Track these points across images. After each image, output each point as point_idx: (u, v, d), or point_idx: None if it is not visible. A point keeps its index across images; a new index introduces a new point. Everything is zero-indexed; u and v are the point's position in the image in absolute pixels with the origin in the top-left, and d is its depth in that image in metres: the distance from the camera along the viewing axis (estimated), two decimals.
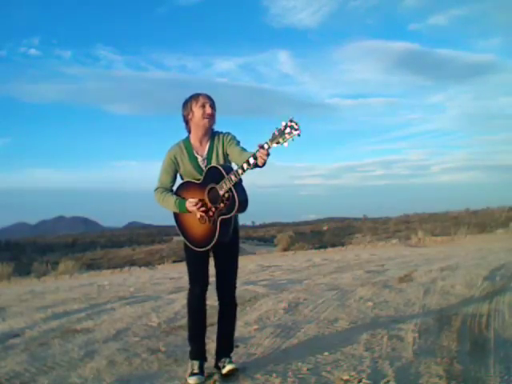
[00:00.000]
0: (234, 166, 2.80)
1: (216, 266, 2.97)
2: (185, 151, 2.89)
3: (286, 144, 2.45)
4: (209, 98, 2.89)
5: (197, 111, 2.85)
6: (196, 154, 2.89)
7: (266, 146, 2.49)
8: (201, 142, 2.91)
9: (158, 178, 2.95)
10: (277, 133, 2.46)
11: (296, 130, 2.42)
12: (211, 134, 2.93)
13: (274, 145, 2.48)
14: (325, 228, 41.56)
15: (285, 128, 2.44)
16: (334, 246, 17.53)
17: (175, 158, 2.88)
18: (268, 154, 2.51)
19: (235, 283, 3.00)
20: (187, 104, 2.89)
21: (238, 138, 2.92)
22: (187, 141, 2.94)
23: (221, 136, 2.91)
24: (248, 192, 2.77)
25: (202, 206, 2.77)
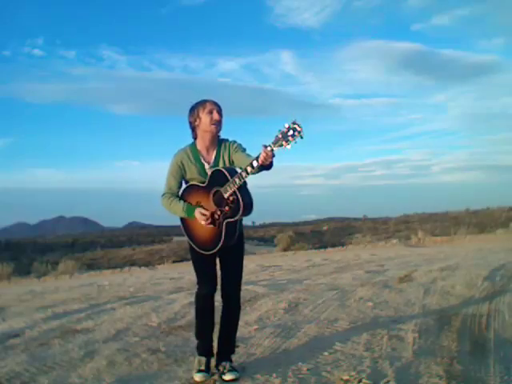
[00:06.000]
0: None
1: (221, 268, 2.98)
2: (192, 157, 2.89)
3: (288, 147, 2.47)
4: (216, 104, 2.87)
5: (204, 117, 2.84)
6: (203, 161, 2.89)
7: (268, 149, 2.50)
8: (207, 150, 2.91)
9: (165, 183, 2.95)
10: (280, 136, 2.47)
11: (299, 132, 2.43)
12: (218, 142, 2.93)
13: (277, 148, 2.49)
14: (325, 228, 41.49)
15: (288, 130, 2.45)
16: (334, 246, 17.50)
17: (182, 164, 2.88)
18: (273, 156, 2.52)
19: (240, 285, 3.01)
20: (194, 110, 2.87)
21: (244, 146, 2.92)
22: (194, 147, 2.93)
23: (227, 144, 2.91)
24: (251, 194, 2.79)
25: (210, 218, 2.76)
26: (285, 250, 17.21)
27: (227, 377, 2.81)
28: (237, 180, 2.65)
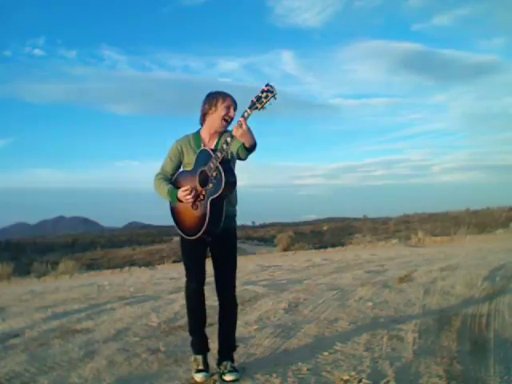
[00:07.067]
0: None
1: (214, 265, 2.99)
2: (193, 143, 2.92)
3: (263, 109, 2.55)
4: (235, 102, 2.90)
5: (220, 110, 2.85)
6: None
7: (245, 115, 2.58)
8: (210, 138, 2.94)
9: (162, 164, 3.00)
10: (255, 99, 2.55)
11: (272, 92, 2.52)
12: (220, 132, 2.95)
13: (255, 111, 2.56)
14: (325, 228, 41.52)
15: (262, 93, 2.54)
16: (334, 246, 17.51)
17: (181, 149, 2.92)
18: (249, 129, 2.57)
19: (235, 282, 3.00)
20: (213, 99, 2.88)
21: None
22: (197, 134, 2.97)
23: (227, 133, 2.92)
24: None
25: (193, 193, 2.77)
26: (285, 250, 17.21)
27: (227, 377, 2.81)
28: (218, 154, 2.68)
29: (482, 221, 24.32)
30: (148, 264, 16.67)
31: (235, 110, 2.89)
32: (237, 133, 2.58)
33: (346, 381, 2.70)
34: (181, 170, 2.98)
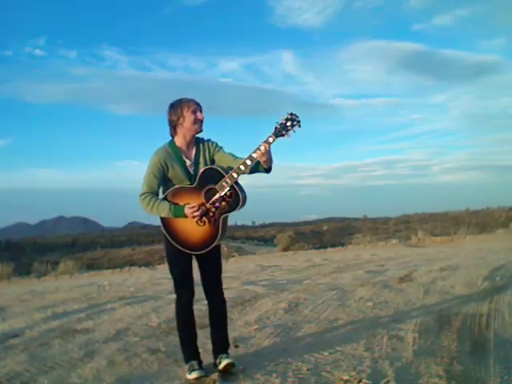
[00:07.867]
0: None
1: (201, 267, 3.01)
2: (173, 155, 2.88)
3: (287, 137, 2.67)
4: (199, 104, 2.91)
5: (188, 116, 2.86)
6: (184, 158, 2.90)
7: (270, 140, 2.66)
8: (187, 147, 2.93)
9: (145, 182, 2.86)
10: (279, 127, 2.65)
11: (298, 122, 2.65)
12: (195, 140, 2.96)
13: (279, 138, 2.67)
14: (325, 228, 41.54)
15: (286, 121, 2.64)
16: (334, 246, 17.49)
17: (165, 163, 2.84)
18: (269, 147, 2.67)
19: (221, 281, 3.05)
20: (177, 108, 2.88)
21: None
22: (173, 145, 2.93)
23: (205, 143, 2.96)
24: (247, 192, 2.86)
25: (201, 209, 2.78)
26: (285, 250, 17.17)
27: (224, 362, 2.84)
28: (234, 174, 2.72)
29: (482, 221, 24.31)
30: (148, 264, 16.64)
31: (201, 111, 2.90)
32: (262, 158, 2.67)
33: (346, 381, 2.70)
34: (173, 185, 2.88)
